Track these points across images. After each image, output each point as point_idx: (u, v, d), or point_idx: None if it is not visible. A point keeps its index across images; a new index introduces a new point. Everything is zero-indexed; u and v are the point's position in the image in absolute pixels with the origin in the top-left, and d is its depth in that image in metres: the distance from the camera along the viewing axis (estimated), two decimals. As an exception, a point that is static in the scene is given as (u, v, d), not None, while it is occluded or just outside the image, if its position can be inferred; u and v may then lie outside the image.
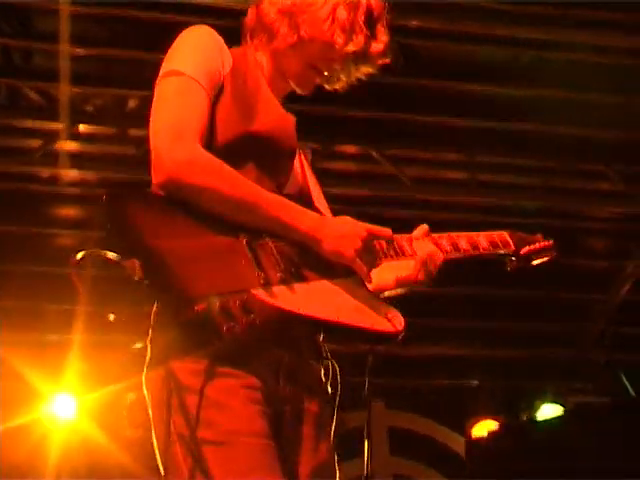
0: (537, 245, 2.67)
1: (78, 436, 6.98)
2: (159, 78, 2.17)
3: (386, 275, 2.39)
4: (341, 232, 2.16)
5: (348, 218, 2.21)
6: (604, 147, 6.37)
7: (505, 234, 2.63)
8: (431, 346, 7.47)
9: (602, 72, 5.87)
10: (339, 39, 2.27)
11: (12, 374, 6.63)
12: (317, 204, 2.33)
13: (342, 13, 2.27)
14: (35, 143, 5.83)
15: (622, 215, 6.80)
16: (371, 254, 2.20)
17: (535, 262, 2.69)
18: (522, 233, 2.67)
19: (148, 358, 2.08)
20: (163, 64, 2.18)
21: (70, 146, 5.86)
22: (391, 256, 2.33)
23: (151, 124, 2.12)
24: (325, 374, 2.27)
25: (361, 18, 2.29)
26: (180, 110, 2.11)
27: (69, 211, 6.44)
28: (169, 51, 2.21)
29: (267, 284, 2.05)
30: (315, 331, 2.23)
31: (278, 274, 2.09)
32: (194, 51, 2.19)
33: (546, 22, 5.46)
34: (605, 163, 6.48)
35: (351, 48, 2.29)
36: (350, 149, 5.99)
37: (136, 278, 1.95)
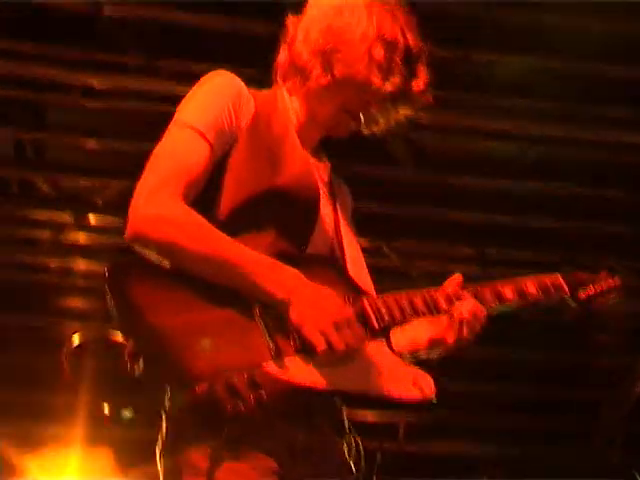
0: (599, 287, 2.40)
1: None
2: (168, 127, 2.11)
3: (420, 334, 2.23)
4: (311, 306, 1.96)
5: (328, 294, 2.01)
6: (615, 240, 6.33)
7: (559, 276, 2.36)
8: (441, 442, 7.31)
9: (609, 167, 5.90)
10: (376, 79, 2.16)
11: (12, 468, 6.59)
12: (349, 263, 2.20)
13: (379, 52, 2.16)
14: (45, 234, 5.87)
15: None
16: (343, 341, 1.97)
17: (598, 304, 2.41)
18: (581, 272, 2.42)
19: (160, 449, 2.02)
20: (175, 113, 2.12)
21: (79, 237, 5.89)
22: (423, 313, 2.15)
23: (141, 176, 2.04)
24: (348, 450, 2.14)
25: (399, 57, 2.19)
26: (170, 163, 2.03)
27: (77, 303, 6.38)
28: (184, 99, 2.14)
29: (279, 356, 1.93)
30: (334, 403, 2.11)
31: (292, 343, 1.96)
32: (206, 101, 2.11)
33: (556, 119, 5.53)
34: (616, 258, 6.38)
35: (388, 88, 2.18)
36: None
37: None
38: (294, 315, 1.96)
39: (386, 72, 2.17)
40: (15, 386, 6.51)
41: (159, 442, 2.03)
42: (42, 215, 5.86)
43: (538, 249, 6.30)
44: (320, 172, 2.26)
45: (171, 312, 1.93)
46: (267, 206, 2.07)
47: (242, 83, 2.16)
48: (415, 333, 2.24)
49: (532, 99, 5.45)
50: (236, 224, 2.04)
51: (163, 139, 2.08)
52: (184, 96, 2.17)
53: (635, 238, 6.31)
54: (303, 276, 2.00)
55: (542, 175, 5.95)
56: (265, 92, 2.23)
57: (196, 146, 2.05)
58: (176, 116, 2.10)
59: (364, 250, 2.41)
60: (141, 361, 1.87)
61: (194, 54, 4.68)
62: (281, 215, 2.09)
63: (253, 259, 1.98)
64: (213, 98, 2.11)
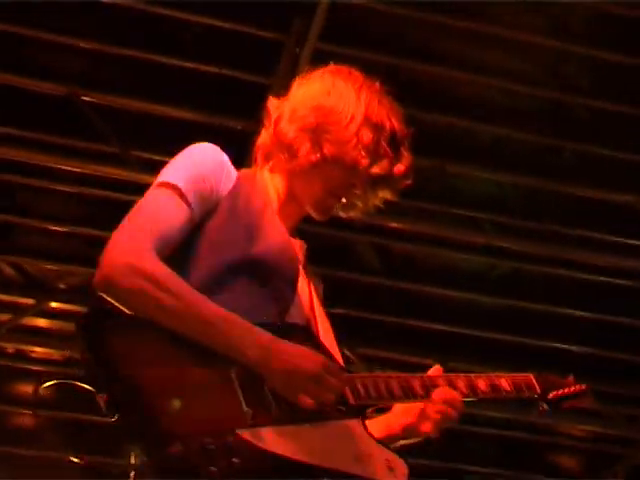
0: (567, 389, 2.46)
1: None
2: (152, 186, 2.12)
3: (393, 422, 2.25)
4: (289, 367, 1.95)
5: (305, 351, 2.00)
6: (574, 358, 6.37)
7: (531, 376, 2.41)
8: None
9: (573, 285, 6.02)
10: (364, 161, 2.18)
11: None
12: (323, 339, 2.17)
13: (367, 134, 2.18)
14: (4, 317, 5.82)
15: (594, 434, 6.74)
16: (328, 390, 1.97)
17: (566, 406, 2.48)
18: (552, 375, 2.48)
19: None
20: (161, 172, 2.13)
21: (39, 322, 5.85)
22: (399, 397, 2.15)
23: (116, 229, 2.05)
24: None
25: (385, 140, 2.21)
26: (147, 218, 2.03)
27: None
28: (166, 165, 2.15)
29: (255, 424, 1.89)
30: (309, 477, 2.00)
31: (268, 414, 1.94)
32: (189, 165, 2.12)
33: (525, 235, 5.65)
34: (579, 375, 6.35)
35: (375, 170, 2.21)
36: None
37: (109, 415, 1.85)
38: (274, 380, 1.96)
39: (373, 155, 2.20)
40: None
41: None
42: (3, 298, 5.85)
43: (500, 364, 6.05)
44: (297, 250, 2.25)
45: (147, 365, 1.90)
46: (243, 274, 2.07)
47: (225, 156, 2.18)
48: (389, 421, 2.26)
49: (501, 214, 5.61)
50: (210, 289, 2.01)
51: (145, 197, 2.08)
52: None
53: (597, 357, 6.35)
54: (277, 338, 1.99)
55: (508, 290, 6.04)
56: (245, 170, 2.25)
57: (175, 205, 2.06)
58: (159, 177, 2.11)
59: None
60: (116, 411, 1.83)
61: (168, 145, 4.67)
62: (259, 284, 2.09)
63: (228, 318, 1.96)
64: (196, 163, 2.13)
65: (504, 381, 2.35)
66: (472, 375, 2.31)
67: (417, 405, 2.22)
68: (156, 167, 4.59)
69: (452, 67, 5.04)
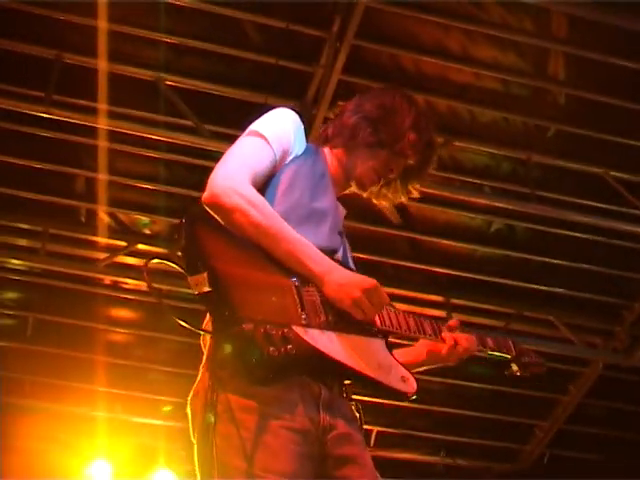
0: (534, 358, 2.53)
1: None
2: (243, 134, 2.16)
3: (420, 350, 2.33)
4: (343, 281, 2.01)
5: (355, 274, 2.08)
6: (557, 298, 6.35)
7: (509, 341, 2.51)
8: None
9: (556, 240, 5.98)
10: (407, 152, 2.30)
11: (52, 440, 6.47)
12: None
13: (413, 136, 2.30)
14: (102, 255, 5.89)
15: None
16: (374, 305, 2.03)
17: (528, 373, 2.52)
18: (524, 346, 2.54)
19: (197, 384, 1.98)
20: (251, 124, 2.17)
21: (129, 260, 5.89)
22: (414, 332, 2.23)
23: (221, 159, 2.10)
24: (356, 409, 2.12)
25: (423, 144, 2.33)
26: (244, 156, 2.09)
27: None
28: (260, 117, 2.20)
29: (307, 325, 1.94)
30: (341, 375, 2.07)
31: (318, 319, 1.98)
32: (276, 122, 2.18)
33: (516, 197, 5.60)
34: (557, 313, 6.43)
35: (411, 162, 2.33)
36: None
37: (196, 292, 1.89)
38: (330, 291, 2.01)
39: (414, 150, 2.31)
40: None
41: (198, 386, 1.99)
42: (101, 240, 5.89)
43: (495, 303, 6.36)
44: (340, 214, 2.31)
45: (233, 262, 1.95)
46: (304, 220, 2.10)
47: (302, 122, 2.25)
48: (417, 350, 2.34)
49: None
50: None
51: (241, 140, 2.14)
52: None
53: (573, 298, 6.37)
54: (336, 263, 2.08)
55: (502, 242, 6.03)
56: (312, 143, 2.31)
57: (264, 149, 2.11)
58: (251, 126, 2.16)
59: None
60: (206, 286, 1.86)
61: (233, 120, 4.64)
62: (314, 230, 2.12)
63: (301, 241, 2.02)
64: (281, 121, 2.19)
65: (490, 340, 2.45)
66: (466, 329, 2.38)
67: (435, 342, 2.30)
68: (224, 137, 4.85)
69: (458, 61, 5.03)
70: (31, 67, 4.87)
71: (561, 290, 6.29)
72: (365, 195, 2.39)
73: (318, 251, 2.03)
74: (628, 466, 6.54)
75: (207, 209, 2.00)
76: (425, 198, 5.36)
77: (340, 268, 2.06)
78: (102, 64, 4.83)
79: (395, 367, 2.11)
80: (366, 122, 2.28)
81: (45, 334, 6.35)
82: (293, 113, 2.23)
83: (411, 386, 2.09)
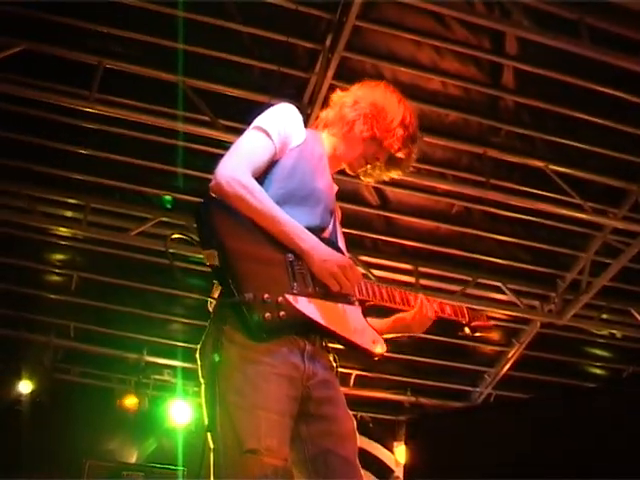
0: (482, 322, 2.56)
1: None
2: (249, 128, 2.21)
3: (392, 320, 2.38)
4: (324, 258, 2.08)
5: (335, 252, 2.13)
6: (498, 267, 6.49)
7: (464, 307, 2.57)
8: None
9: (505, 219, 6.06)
10: (395, 146, 2.35)
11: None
12: (340, 247, 2.30)
13: (400, 131, 2.35)
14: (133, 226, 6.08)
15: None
16: (349, 280, 2.08)
17: (478, 334, 2.56)
18: (477, 311, 2.59)
19: (208, 332, 2.05)
20: (255, 119, 2.23)
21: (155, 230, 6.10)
22: (386, 301, 2.31)
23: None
24: (333, 359, 2.21)
25: (409, 138, 2.37)
26: (246, 149, 2.13)
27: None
28: (263, 113, 2.24)
29: (297, 294, 2.02)
30: (323, 335, 2.15)
31: (306, 289, 2.05)
32: (276, 117, 2.21)
33: (473, 184, 5.70)
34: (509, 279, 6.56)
35: (398, 154, 2.38)
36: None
37: (207, 263, 1.99)
38: (313, 265, 2.07)
39: (400, 144, 2.35)
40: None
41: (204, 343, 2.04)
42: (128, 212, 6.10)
43: (453, 270, 6.55)
44: (333, 192, 2.36)
45: (240, 240, 2.01)
46: (302, 200, 2.15)
47: (300, 115, 2.29)
48: (389, 320, 2.38)
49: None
50: (279, 204, 2.10)
51: (245, 134, 2.17)
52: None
53: (517, 268, 6.51)
54: (321, 242, 2.14)
55: (461, 222, 6.11)
56: (311, 129, 2.36)
57: (265, 143, 2.15)
58: (254, 123, 2.20)
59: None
60: (215, 260, 1.96)
61: (243, 115, 4.14)
62: (310, 207, 2.17)
63: (291, 223, 2.07)
64: (281, 116, 2.22)
65: (449, 306, 2.51)
66: (432, 299, 2.44)
67: (408, 312, 2.36)
68: (235, 130, 5.33)
69: (428, 71, 5.20)
70: (77, 70, 5.11)
71: (508, 262, 6.56)
72: (353, 173, 2.46)
73: (305, 230, 2.09)
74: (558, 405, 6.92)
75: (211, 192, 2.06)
76: (399, 183, 5.73)
77: (323, 246, 2.11)
78: (135, 69, 5.12)
79: (368, 331, 2.18)
80: (362, 119, 2.32)
81: (86, 289, 6.67)
82: (292, 106, 2.27)
83: (380, 347, 2.17)
